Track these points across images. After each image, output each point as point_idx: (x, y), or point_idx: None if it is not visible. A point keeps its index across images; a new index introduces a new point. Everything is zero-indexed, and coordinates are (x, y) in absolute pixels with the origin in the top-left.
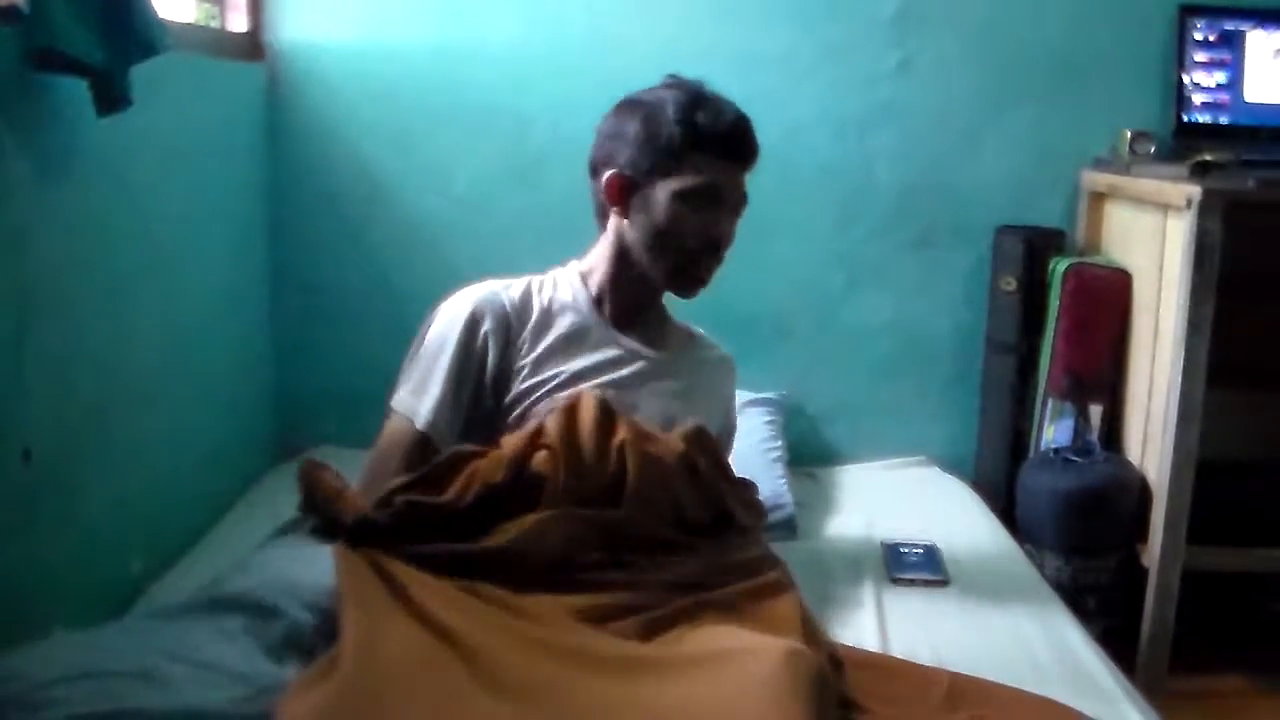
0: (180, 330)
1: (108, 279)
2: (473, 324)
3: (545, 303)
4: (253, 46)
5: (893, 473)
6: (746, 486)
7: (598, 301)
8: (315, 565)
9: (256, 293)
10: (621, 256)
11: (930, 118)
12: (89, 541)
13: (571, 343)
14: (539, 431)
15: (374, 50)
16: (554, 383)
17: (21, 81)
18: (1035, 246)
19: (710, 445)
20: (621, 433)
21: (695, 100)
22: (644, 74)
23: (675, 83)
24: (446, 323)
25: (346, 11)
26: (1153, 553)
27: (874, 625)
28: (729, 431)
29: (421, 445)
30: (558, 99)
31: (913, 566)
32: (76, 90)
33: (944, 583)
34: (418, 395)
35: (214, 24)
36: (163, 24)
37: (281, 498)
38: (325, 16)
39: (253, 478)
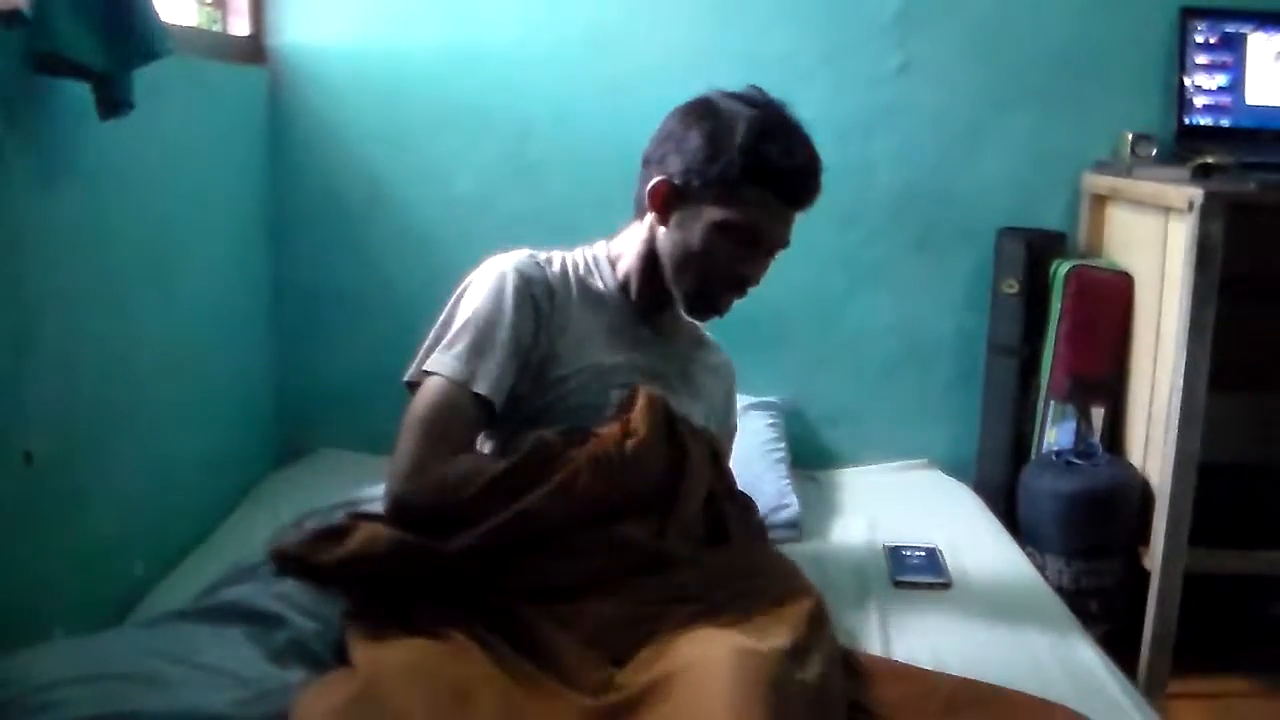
0: (181, 333)
1: (109, 282)
2: (525, 290)
3: (581, 285)
4: (254, 50)
5: (894, 475)
6: (748, 508)
7: (624, 289)
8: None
9: (257, 295)
10: (651, 256)
11: (931, 120)
12: (91, 544)
13: (604, 333)
14: (626, 426)
15: (375, 53)
16: (589, 374)
17: (24, 85)
18: (1037, 249)
19: (720, 459)
20: (678, 429)
21: (769, 129)
22: (644, 76)
23: (756, 98)
24: (495, 285)
25: (348, 15)
26: (1155, 555)
27: (876, 628)
28: (729, 435)
29: (484, 413)
30: (558, 101)
31: (915, 569)
32: (79, 94)
33: (946, 586)
34: (471, 360)
35: (216, 28)
36: (164, 28)
37: (283, 500)
38: (327, 20)
39: (254, 481)
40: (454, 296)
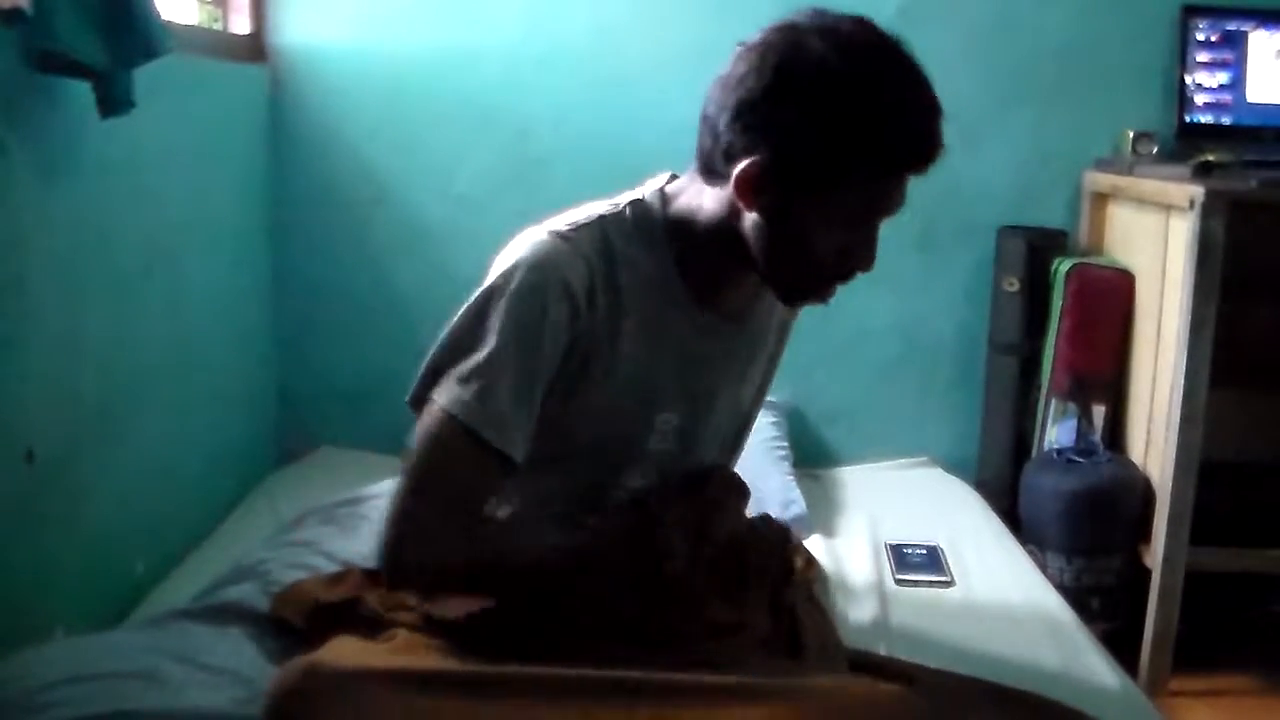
0: (182, 331)
1: (111, 280)
2: (569, 305)
3: (625, 263)
4: (255, 48)
5: (895, 474)
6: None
7: (681, 263)
8: (316, 573)
9: (258, 293)
10: (730, 233)
11: None
12: (92, 543)
13: (650, 334)
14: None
15: (376, 52)
16: (624, 400)
17: (25, 83)
18: (1038, 247)
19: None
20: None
21: (914, 101)
22: (645, 75)
23: (881, 47)
24: (535, 305)
25: (349, 14)
26: (1156, 553)
27: (878, 627)
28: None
29: (506, 470)
30: (558, 101)
31: (916, 567)
32: (80, 92)
33: (948, 584)
34: (499, 408)
35: (216, 26)
36: (165, 26)
37: (284, 499)
38: (327, 19)
39: (255, 479)
40: (480, 295)
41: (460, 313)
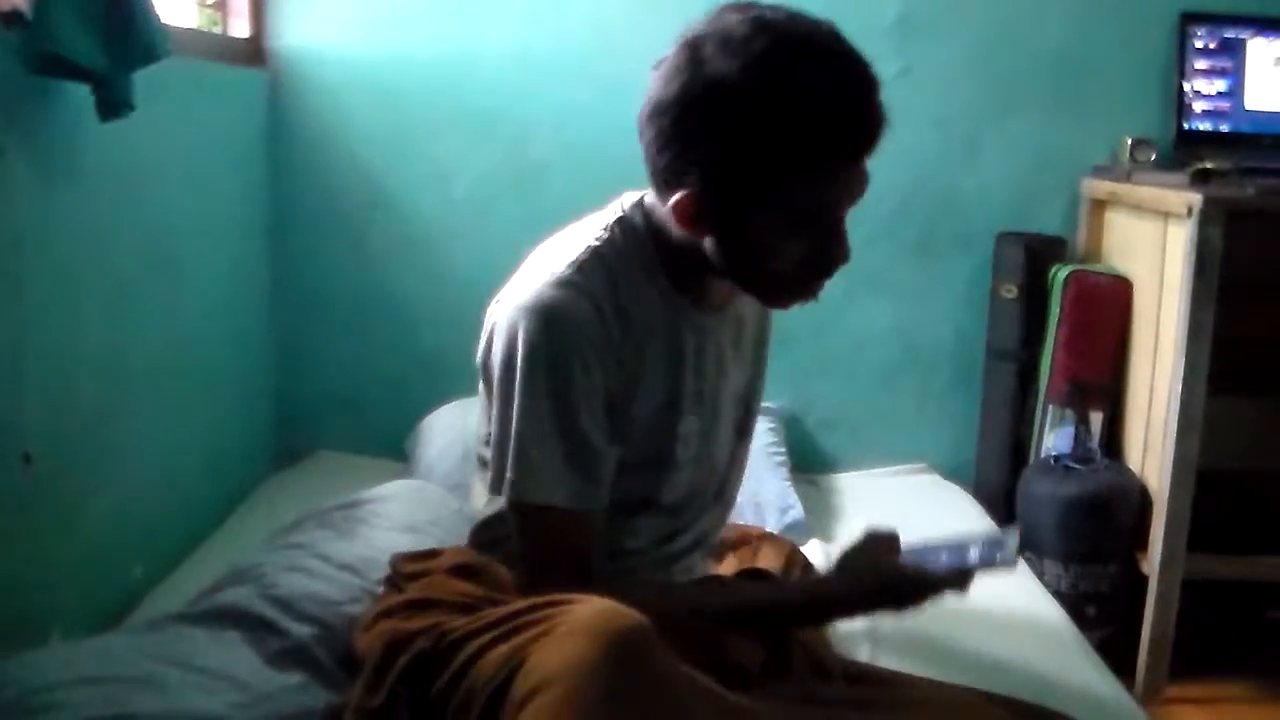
0: (181, 335)
1: (109, 283)
2: (582, 348)
3: (627, 285)
4: (255, 52)
5: (893, 480)
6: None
7: (670, 274)
8: (314, 577)
9: (257, 297)
10: (694, 245)
11: (931, 125)
12: (89, 546)
13: (657, 350)
14: None
15: (375, 56)
16: (646, 420)
17: (24, 86)
18: (1036, 254)
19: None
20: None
21: (832, 87)
22: (645, 80)
23: (788, 42)
24: (556, 366)
25: (348, 17)
26: (1153, 560)
27: (872, 635)
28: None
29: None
30: (558, 105)
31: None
32: (79, 95)
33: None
34: (585, 476)
35: (216, 30)
36: (164, 29)
37: (281, 503)
38: (327, 22)
39: (253, 483)
40: (503, 369)
41: (496, 394)
